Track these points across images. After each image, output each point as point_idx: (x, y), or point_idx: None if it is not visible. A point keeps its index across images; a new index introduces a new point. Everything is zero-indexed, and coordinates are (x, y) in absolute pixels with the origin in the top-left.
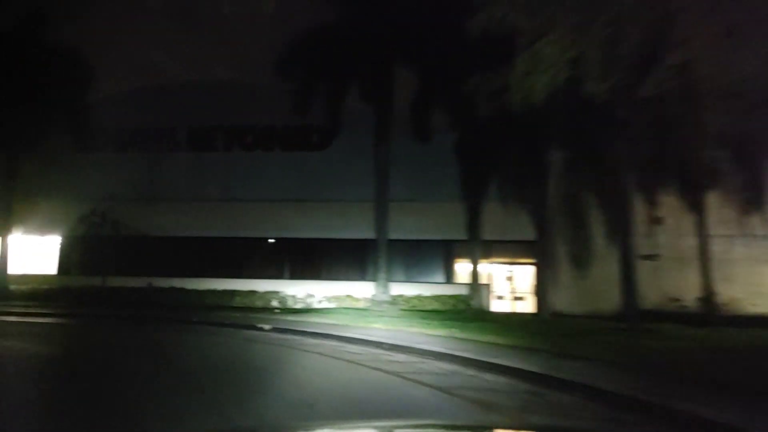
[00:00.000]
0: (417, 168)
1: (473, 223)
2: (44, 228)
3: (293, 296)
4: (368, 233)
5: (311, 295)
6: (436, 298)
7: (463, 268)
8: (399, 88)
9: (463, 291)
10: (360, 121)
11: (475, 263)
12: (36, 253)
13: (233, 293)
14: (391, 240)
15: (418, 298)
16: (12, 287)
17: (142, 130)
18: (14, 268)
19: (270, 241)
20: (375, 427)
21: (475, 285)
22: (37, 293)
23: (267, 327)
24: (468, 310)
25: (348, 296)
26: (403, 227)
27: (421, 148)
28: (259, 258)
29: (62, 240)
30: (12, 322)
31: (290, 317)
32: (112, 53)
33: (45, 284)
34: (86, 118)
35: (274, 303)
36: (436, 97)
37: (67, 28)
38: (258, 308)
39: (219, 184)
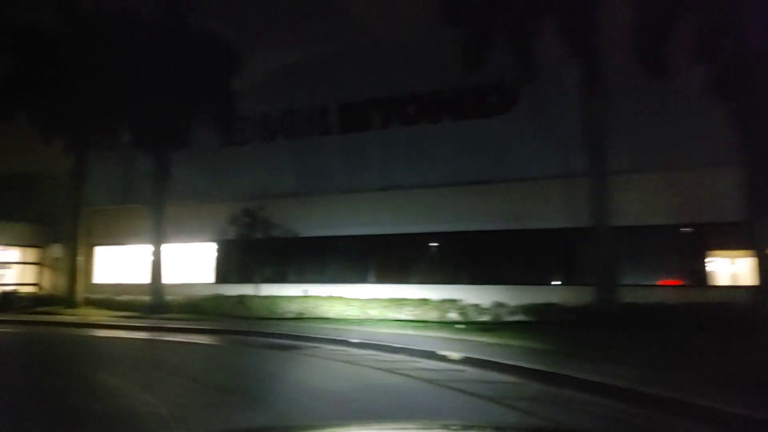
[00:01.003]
0: (639, 126)
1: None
2: (197, 233)
3: (476, 305)
4: (576, 219)
5: (501, 305)
6: (685, 305)
7: (724, 264)
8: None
9: (729, 295)
10: (553, 73)
11: (762, 254)
12: (191, 260)
13: (400, 303)
14: (613, 228)
15: (662, 306)
16: (168, 298)
17: (289, 114)
18: (169, 277)
19: (442, 233)
20: (375, 428)
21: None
22: (193, 304)
23: (455, 356)
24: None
25: (550, 304)
26: (626, 209)
27: (645, 96)
28: (429, 258)
29: (217, 245)
30: (172, 343)
31: (482, 338)
32: (248, 32)
33: (201, 294)
34: (231, 107)
35: (452, 315)
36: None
37: (204, 10)
38: (434, 322)
39: (377, 170)
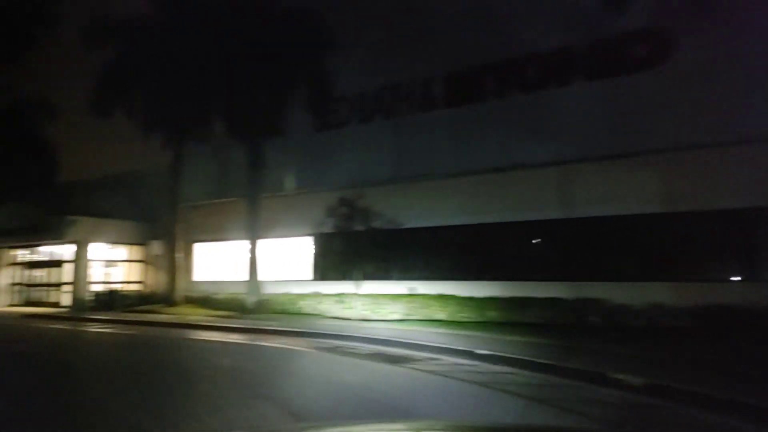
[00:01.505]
0: None
1: None
2: (293, 227)
3: (625, 306)
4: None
5: (658, 306)
6: None
7: None
8: None
9: None
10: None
11: None
12: (287, 256)
13: (525, 302)
14: None
15: None
16: (266, 296)
17: (388, 90)
18: (266, 274)
19: (575, 219)
20: (374, 428)
21: None
22: (291, 303)
23: (636, 381)
24: None
25: (726, 306)
26: None
27: None
28: (560, 249)
29: (313, 239)
30: (270, 351)
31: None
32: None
33: (298, 292)
34: (326, 87)
35: (593, 319)
36: None
37: None
38: (570, 328)
39: (492, 148)
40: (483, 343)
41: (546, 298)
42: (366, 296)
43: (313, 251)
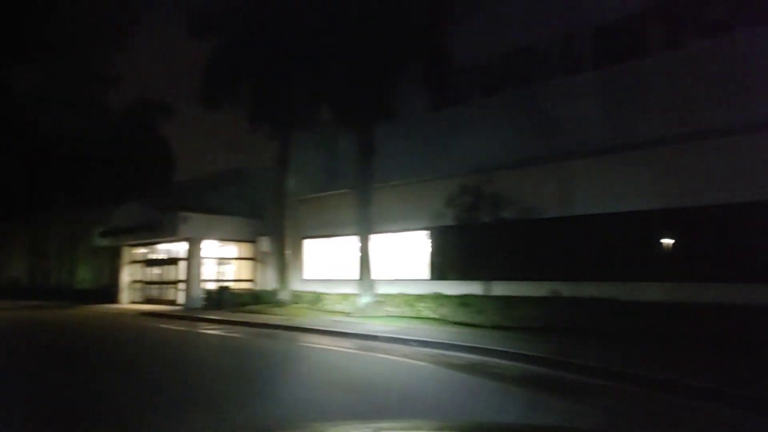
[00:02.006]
0: None
1: None
2: (408, 220)
3: None
4: None
5: None
6: None
7: None
8: None
9: None
10: None
11: None
12: (402, 253)
13: (701, 310)
14: None
15: None
16: (379, 296)
17: (518, 54)
18: (380, 273)
19: None
20: (374, 428)
21: None
22: (407, 305)
23: None
24: None
25: None
26: None
27: None
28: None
29: (430, 233)
30: (388, 364)
31: None
32: None
33: (415, 293)
34: (443, 58)
35: None
36: None
37: None
38: None
39: (661, 114)
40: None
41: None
42: (497, 299)
43: (431, 247)
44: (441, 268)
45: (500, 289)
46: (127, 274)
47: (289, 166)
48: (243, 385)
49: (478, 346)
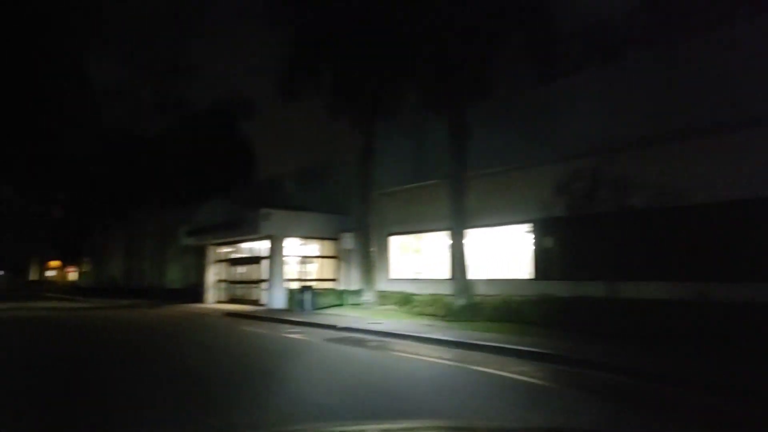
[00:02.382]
0: None
1: None
2: (507, 212)
3: None
4: None
5: None
6: None
7: None
8: None
9: None
10: None
11: None
12: (501, 249)
13: None
14: None
15: None
16: (477, 298)
17: (645, 11)
18: (476, 271)
19: None
20: (374, 428)
21: None
22: (509, 308)
23: None
24: None
25: None
26: None
27: None
28: None
29: (534, 226)
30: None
31: None
32: None
33: (518, 294)
34: (549, 24)
35: None
36: None
37: None
38: None
39: None
40: None
41: None
42: (621, 302)
43: (535, 242)
44: (547, 267)
45: (628, 290)
46: (212, 274)
47: (373, 158)
48: (342, 410)
49: (621, 365)
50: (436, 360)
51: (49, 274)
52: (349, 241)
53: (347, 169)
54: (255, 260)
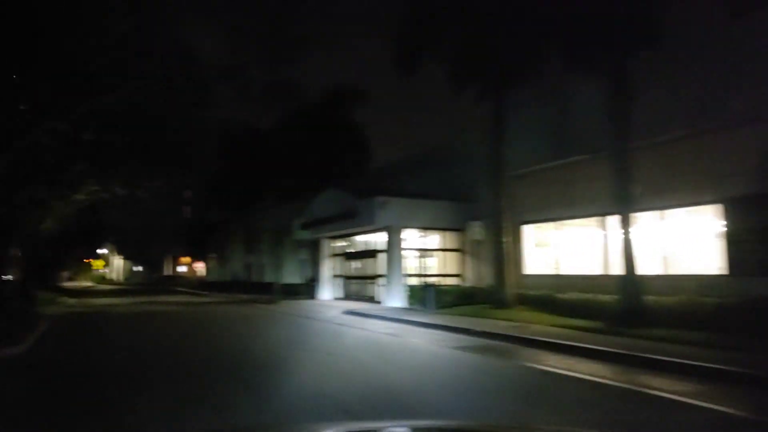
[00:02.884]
0: None
1: None
2: (684, 190)
3: None
4: None
5: None
6: None
7: None
8: None
9: None
10: None
11: None
12: (676, 237)
13: None
14: None
15: None
16: (648, 303)
17: None
18: (645, 266)
19: None
20: (374, 428)
21: None
22: (692, 312)
23: None
24: None
25: None
26: None
27: None
28: None
29: (725, 208)
30: None
31: None
32: None
33: (703, 294)
34: None
35: None
36: None
37: None
38: None
39: None
40: None
41: None
42: None
43: (727, 227)
44: (744, 260)
45: None
46: (327, 268)
47: (504, 134)
48: None
49: None
50: (610, 383)
51: (180, 269)
52: (477, 230)
53: (472, 151)
54: (371, 254)
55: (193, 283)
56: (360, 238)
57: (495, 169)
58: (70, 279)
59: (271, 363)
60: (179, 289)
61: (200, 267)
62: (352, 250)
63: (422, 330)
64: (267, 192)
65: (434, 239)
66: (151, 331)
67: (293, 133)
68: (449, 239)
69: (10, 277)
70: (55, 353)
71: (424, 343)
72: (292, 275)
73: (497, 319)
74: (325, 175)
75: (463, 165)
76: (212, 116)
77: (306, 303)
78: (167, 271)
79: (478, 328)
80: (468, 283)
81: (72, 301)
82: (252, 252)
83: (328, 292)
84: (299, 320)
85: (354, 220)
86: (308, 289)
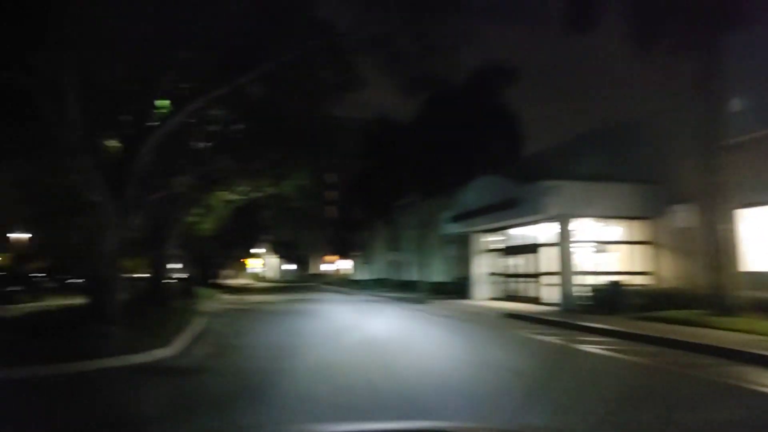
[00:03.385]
0: None
1: None
2: None
3: None
4: None
5: None
6: None
7: None
8: None
9: None
10: None
11: None
12: None
13: None
14: None
15: None
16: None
17: None
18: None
19: None
20: (374, 428)
21: None
22: None
23: None
24: None
25: None
26: None
27: None
28: None
29: None
30: None
31: None
32: None
33: None
34: None
35: None
36: None
37: None
38: None
39: None
40: None
41: None
42: None
43: None
44: None
45: None
46: (480, 265)
47: (717, 92)
48: None
49: None
50: None
51: (325, 267)
52: (681, 217)
53: (660, 122)
54: (531, 249)
55: (338, 281)
56: (515, 232)
57: (708, 137)
58: (228, 277)
59: (458, 386)
60: (326, 287)
61: (344, 265)
62: (510, 245)
63: (634, 345)
64: (411, 187)
65: (614, 230)
66: (311, 333)
67: (437, 121)
68: (636, 229)
69: (180, 275)
70: (207, 358)
71: (667, 366)
72: (439, 273)
73: (720, 328)
74: (472, 164)
75: (649, 139)
76: (356, 100)
77: (459, 304)
78: (313, 269)
79: (699, 341)
80: (664, 284)
81: (230, 297)
82: (396, 249)
83: (481, 291)
84: (458, 324)
85: (514, 209)
86: (458, 288)
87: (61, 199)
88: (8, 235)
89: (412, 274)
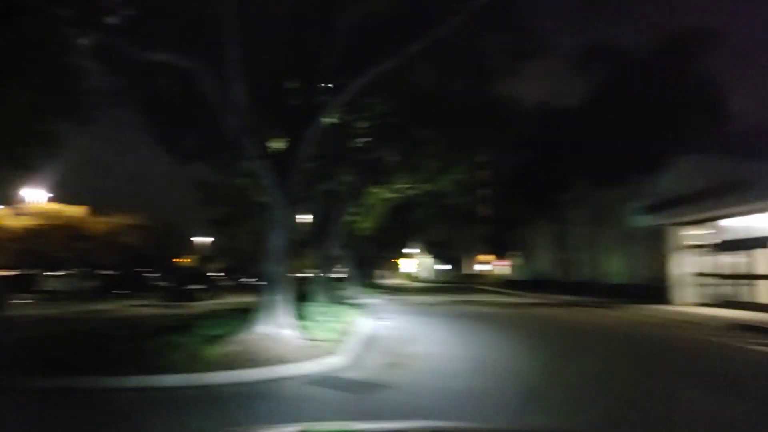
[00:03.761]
0: None
1: None
2: None
3: None
4: None
5: None
6: None
7: None
8: None
9: None
10: None
11: None
12: None
13: None
14: None
15: None
16: None
17: None
18: None
19: None
20: (374, 428)
21: None
22: None
23: None
24: None
25: None
26: None
27: None
28: None
29: None
30: None
31: None
32: None
33: None
34: None
35: None
36: None
37: None
38: None
39: None
40: None
41: None
42: None
43: None
44: None
45: None
46: (679, 264)
47: None
48: None
49: None
50: None
51: (480, 267)
52: None
53: None
54: (758, 243)
55: (495, 282)
56: (729, 223)
57: None
58: (382, 277)
59: None
60: (484, 287)
61: (500, 264)
62: (723, 239)
63: None
64: (579, 178)
65: None
66: (493, 342)
67: (614, 101)
68: None
69: (340, 275)
70: (384, 369)
71: None
72: (618, 274)
73: None
74: (663, 145)
75: None
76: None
77: (657, 310)
78: (466, 269)
79: None
80: None
81: (388, 297)
82: (563, 247)
83: (683, 295)
84: (673, 334)
85: (741, 195)
86: (647, 290)
87: (236, 200)
88: (192, 238)
89: (583, 275)
